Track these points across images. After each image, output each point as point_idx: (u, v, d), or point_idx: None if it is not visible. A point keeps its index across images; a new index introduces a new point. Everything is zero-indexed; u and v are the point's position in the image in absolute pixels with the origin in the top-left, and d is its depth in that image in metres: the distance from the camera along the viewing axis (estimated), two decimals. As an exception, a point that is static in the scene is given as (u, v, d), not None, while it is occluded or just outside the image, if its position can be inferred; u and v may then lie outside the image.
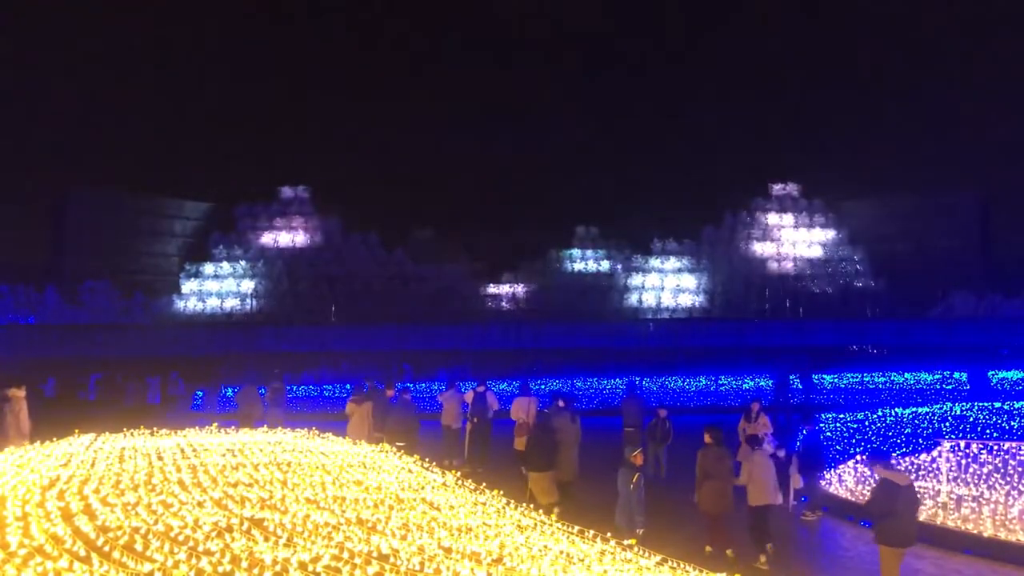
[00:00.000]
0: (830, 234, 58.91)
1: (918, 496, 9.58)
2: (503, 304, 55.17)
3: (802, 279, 56.57)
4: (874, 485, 9.55)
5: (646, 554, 7.59)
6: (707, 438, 11.57)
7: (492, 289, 55.99)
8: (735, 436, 16.08)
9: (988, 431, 19.48)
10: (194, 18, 74.30)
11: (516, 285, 55.88)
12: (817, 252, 58.13)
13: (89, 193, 54.89)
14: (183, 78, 70.23)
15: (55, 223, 55.83)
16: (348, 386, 30.01)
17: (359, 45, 79.13)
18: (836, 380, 33.01)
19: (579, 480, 14.58)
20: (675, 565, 7.33)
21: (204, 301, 51.65)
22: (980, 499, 12.97)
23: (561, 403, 14.91)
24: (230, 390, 27.22)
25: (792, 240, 58.34)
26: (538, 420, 14.15)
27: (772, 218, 58.79)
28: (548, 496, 12.49)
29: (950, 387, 31.60)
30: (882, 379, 32.49)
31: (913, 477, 14.55)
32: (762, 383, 32.09)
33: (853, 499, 13.83)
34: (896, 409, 21.43)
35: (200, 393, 27.73)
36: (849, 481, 14.81)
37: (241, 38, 73.78)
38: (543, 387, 29.74)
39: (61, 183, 55.12)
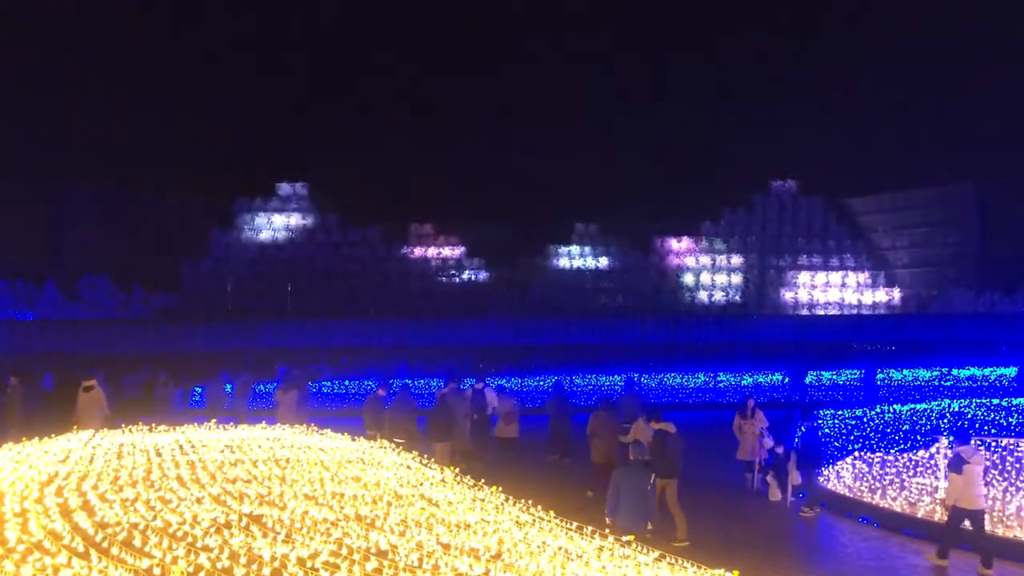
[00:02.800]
0: (828, 230, 58.94)
1: (681, 440, 12.72)
2: (502, 300, 55.17)
3: (798, 274, 56.67)
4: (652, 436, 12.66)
5: (644, 550, 7.60)
6: (600, 408, 15.23)
7: (491, 285, 55.95)
8: (731, 433, 16.15)
9: (986, 428, 19.51)
10: (192, 14, 74.18)
11: (516, 281, 55.86)
12: (816, 248, 58.16)
13: (87, 189, 54.84)
14: (181, 73, 70.13)
15: (53, 219, 55.79)
16: (346, 382, 30.03)
17: (357, 41, 78.97)
18: (835, 376, 33.05)
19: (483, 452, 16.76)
20: (673, 561, 7.34)
21: (204, 297, 51.61)
22: (978, 496, 12.98)
23: (454, 384, 17.00)
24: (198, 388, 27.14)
25: (791, 237, 58.36)
26: (437, 400, 16.32)
27: (769, 214, 58.81)
28: (445, 462, 14.37)
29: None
30: (881, 376, 32.49)
31: (911, 474, 14.64)
32: (760, 379, 32.14)
33: (851, 495, 13.85)
34: (895, 405, 21.45)
35: (199, 389, 27.65)
36: (847, 477, 14.83)
37: (239, 34, 73.66)
38: (542, 383, 29.79)
39: (59, 179, 55.08)
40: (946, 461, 12.07)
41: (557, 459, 17.81)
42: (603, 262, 56.48)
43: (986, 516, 11.39)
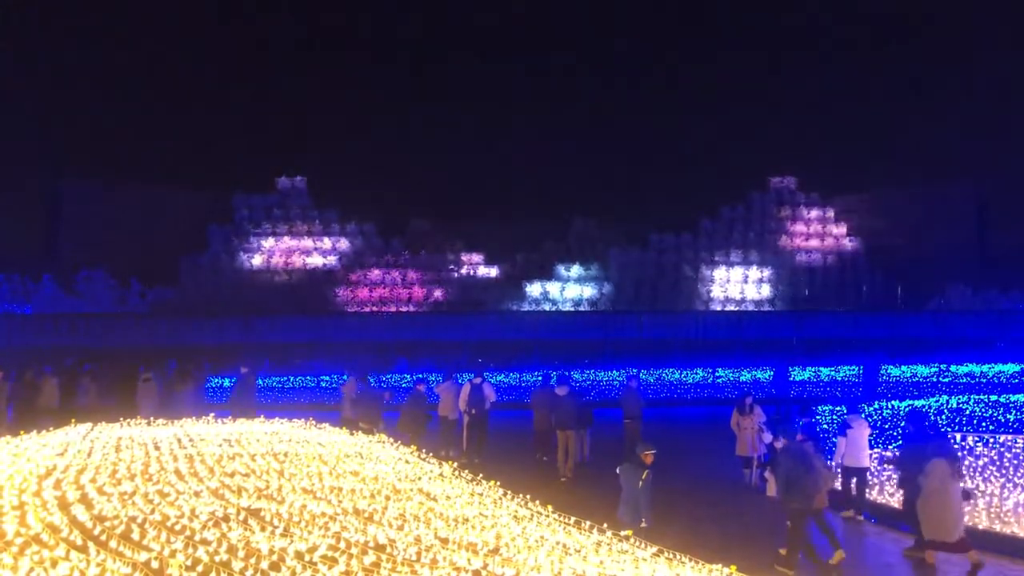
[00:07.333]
0: (828, 227, 58.97)
1: (580, 399, 16.35)
2: (501, 296, 55.12)
3: (799, 272, 56.64)
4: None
5: (642, 545, 7.60)
6: (540, 386, 17.54)
7: (490, 281, 55.86)
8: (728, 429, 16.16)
9: (984, 424, 19.54)
10: (191, 7, 73.96)
11: (514, 277, 55.78)
12: (814, 245, 58.19)
13: (84, 182, 54.75)
14: (181, 67, 69.95)
15: (50, 212, 55.67)
16: (345, 376, 30.00)
17: (358, 36, 78.87)
18: (833, 373, 33.06)
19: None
20: (671, 556, 7.34)
21: (202, 291, 51.52)
22: (975, 492, 13.00)
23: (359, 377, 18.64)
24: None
25: (790, 233, 58.38)
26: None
27: (770, 212, 58.80)
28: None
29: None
30: (880, 372, 32.50)
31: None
32: (759, 375, 32.14)
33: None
34: (892, 402, 21.46)
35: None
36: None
37: (239, 26, 73.47)
38: (539, 378, 29.76)
39: (56, 172, 54.97)
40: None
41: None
42: (602, 259, 56.41)
43: (984, 513, 11.44)
